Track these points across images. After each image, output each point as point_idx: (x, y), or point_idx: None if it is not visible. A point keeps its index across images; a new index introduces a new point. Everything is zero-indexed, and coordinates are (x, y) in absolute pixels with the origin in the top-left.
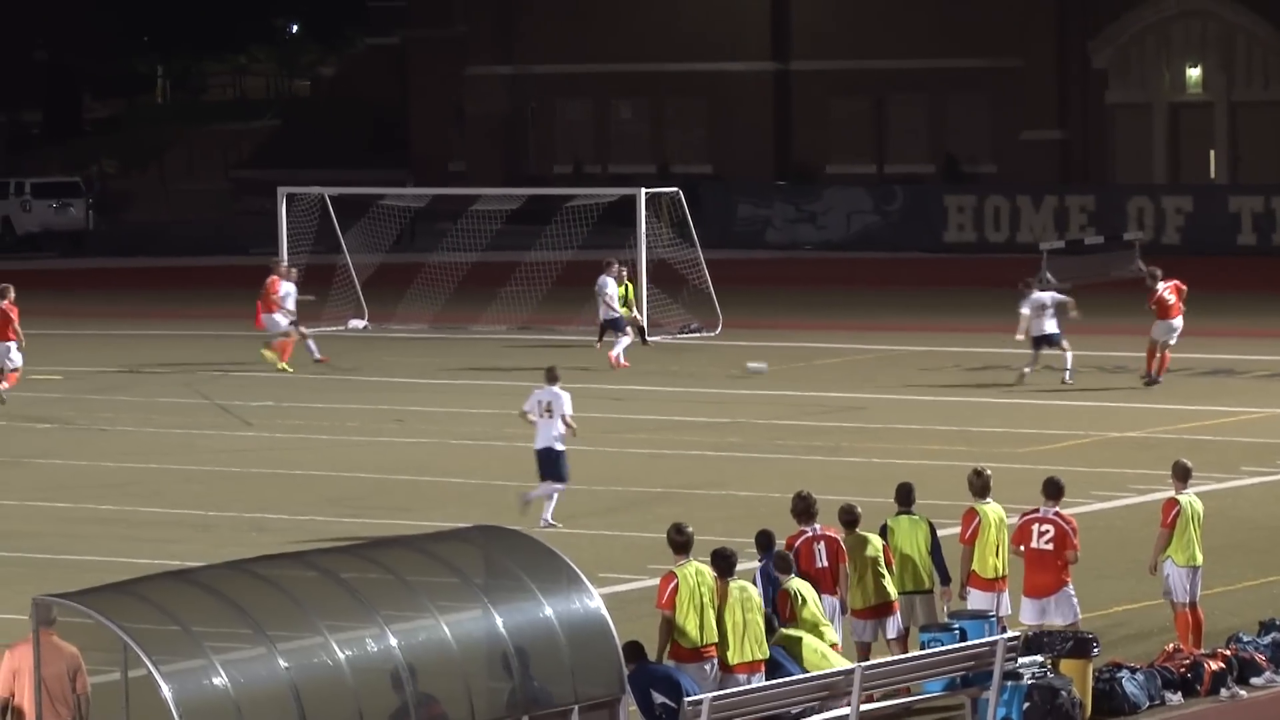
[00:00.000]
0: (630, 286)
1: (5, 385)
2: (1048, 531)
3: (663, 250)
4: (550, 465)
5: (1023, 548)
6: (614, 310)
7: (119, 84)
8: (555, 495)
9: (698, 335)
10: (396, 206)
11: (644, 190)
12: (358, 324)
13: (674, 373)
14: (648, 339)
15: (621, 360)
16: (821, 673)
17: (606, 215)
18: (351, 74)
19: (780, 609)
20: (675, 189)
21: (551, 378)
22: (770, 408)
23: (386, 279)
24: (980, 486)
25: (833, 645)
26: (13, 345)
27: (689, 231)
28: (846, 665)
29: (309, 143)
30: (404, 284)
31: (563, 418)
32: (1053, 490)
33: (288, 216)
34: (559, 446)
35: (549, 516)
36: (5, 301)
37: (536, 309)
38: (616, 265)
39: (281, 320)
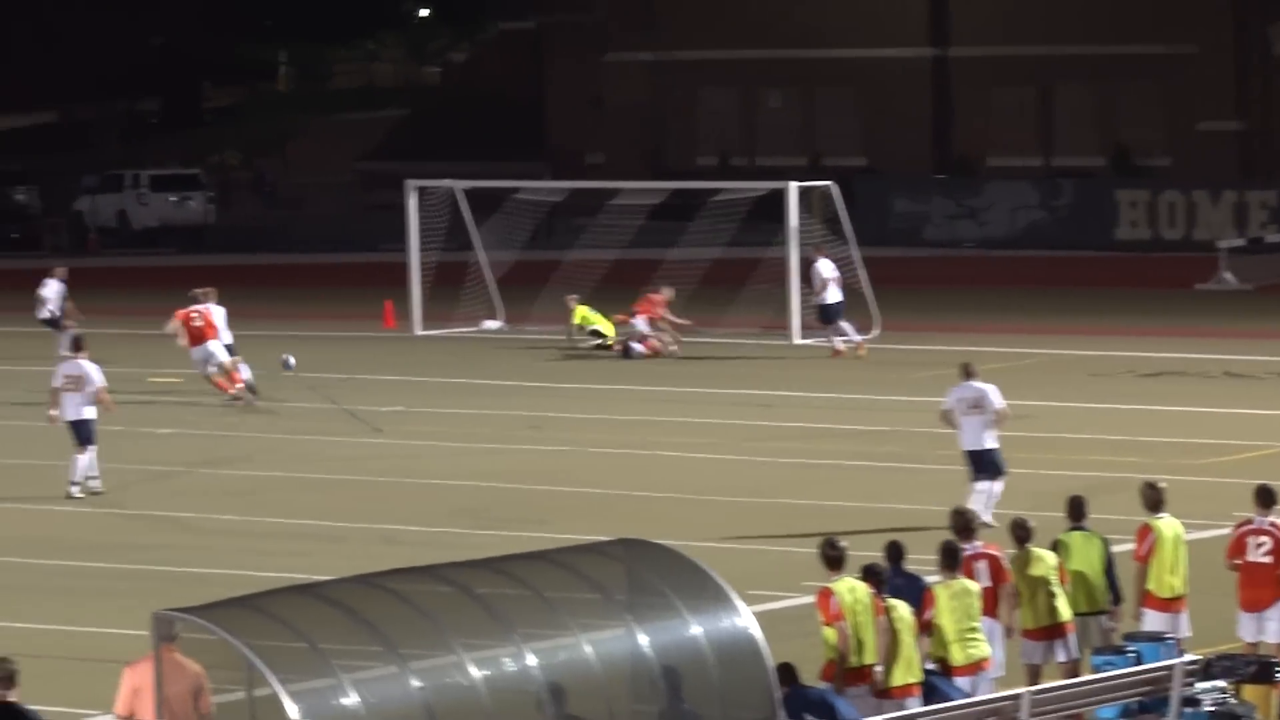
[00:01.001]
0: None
1: (237, 385)
2: (1265, 543)
3: (815, 248)
4: (986, 463)
5: (1238, 561)
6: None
7: (240, 71)
8: (992, 493)
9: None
10: (532, 201)
11: (794, 184)
12: (492, 324)
13: (827, 378)
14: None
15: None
16: (988, 697)
17: (755, 210)
18: (484, 61)
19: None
20: (828, 182)
21: (969, 373)
22: (930, 415)
23: (522, 277)
24: (1154, 500)
25: (983, 660)
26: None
27: (842, 228)
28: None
29: (439, 133)
30: (540, 282)
31: (995, 411)
32: (1267, 499)
33: (418, 211)
34: (991, 443)
35: (988, 517)
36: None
37: (681, 309)
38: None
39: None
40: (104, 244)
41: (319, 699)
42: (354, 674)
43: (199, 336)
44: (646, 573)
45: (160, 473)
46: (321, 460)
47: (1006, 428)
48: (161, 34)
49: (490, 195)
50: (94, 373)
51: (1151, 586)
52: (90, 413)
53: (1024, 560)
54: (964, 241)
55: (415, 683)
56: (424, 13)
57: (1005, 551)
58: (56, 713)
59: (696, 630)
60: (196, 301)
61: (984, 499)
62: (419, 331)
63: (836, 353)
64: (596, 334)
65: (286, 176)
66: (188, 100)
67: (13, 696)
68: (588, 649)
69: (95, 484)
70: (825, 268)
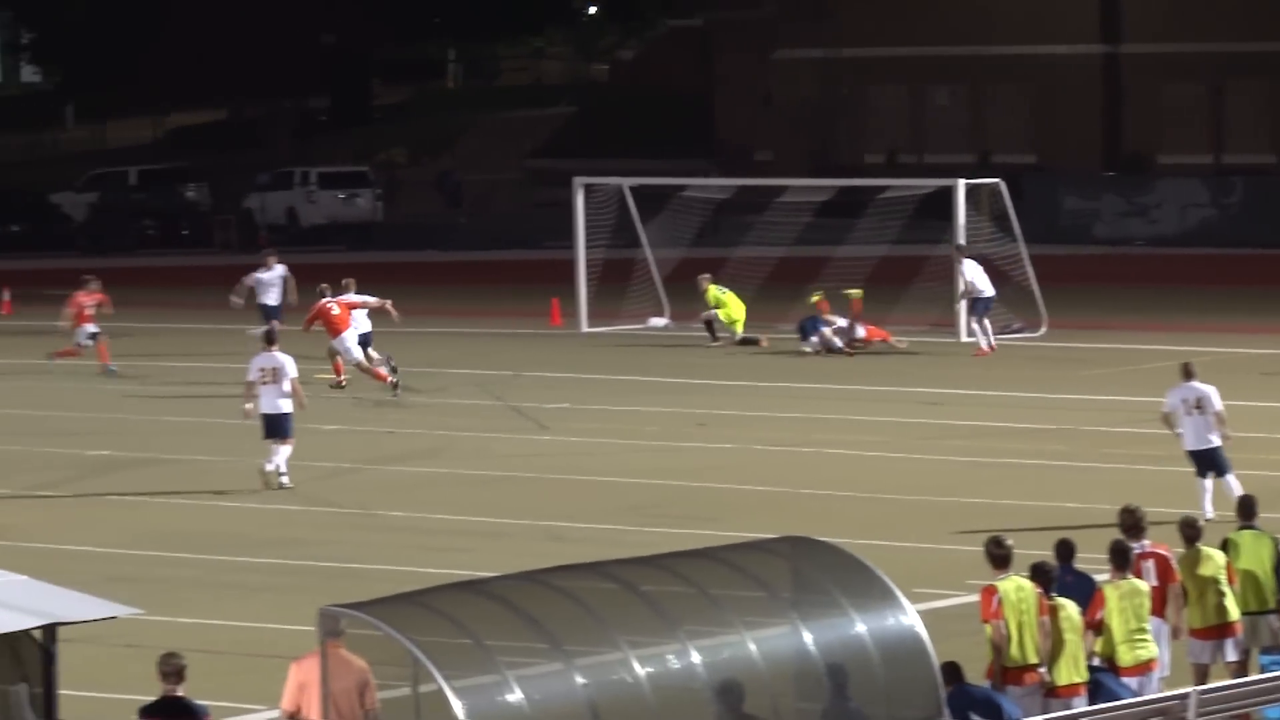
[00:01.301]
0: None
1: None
2: None
3: (983, 245)
4: (1211, 462)
5: None
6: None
7: (410, 69)
8: (1210, 488)
9: (1020, 336)
10: (699, 198)
11: (963, 181)
12: (659, 322)
13: (995, 376)
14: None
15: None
16: (1155, 696)
17: (922, 208)
18: (652, 58)
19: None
20: (996, 180)
21: (1189, 374)
22: (1098, 414)
23: (688, 274)
24: None
25: (1150, 660)
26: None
27: (1011, 225)
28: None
29: (607, 130)
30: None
31: (1215, 414)
32: None
33: (585, 208)
34: (1215, 441)
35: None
36: (343, 297)
37: (846, 307)
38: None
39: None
40: (273, 241)
41: (483, 695)
42: (518, 671)
43: (337, 327)
44: (812, 570)
45: (326, 469)
46: (487, 457)
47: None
48: (332, 32)
49: (657, 192)
50: (289, 365)
51: None
52: (286, 405)
53: (1193, 559)
54: (1134, 239)
55: (579, 680)
56: (593, 10)
57: (1174, 551)
58: (223, 708)
59: (862, 628)
60: (328, 295)
61: (1209, 496)
62: (585, 329)
63: (981, 352)
64: (733, 328)
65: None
66: (357, 98)
67: (181, 691)
68: (752, 647)
69: (285, 479)
70: (969, 268)
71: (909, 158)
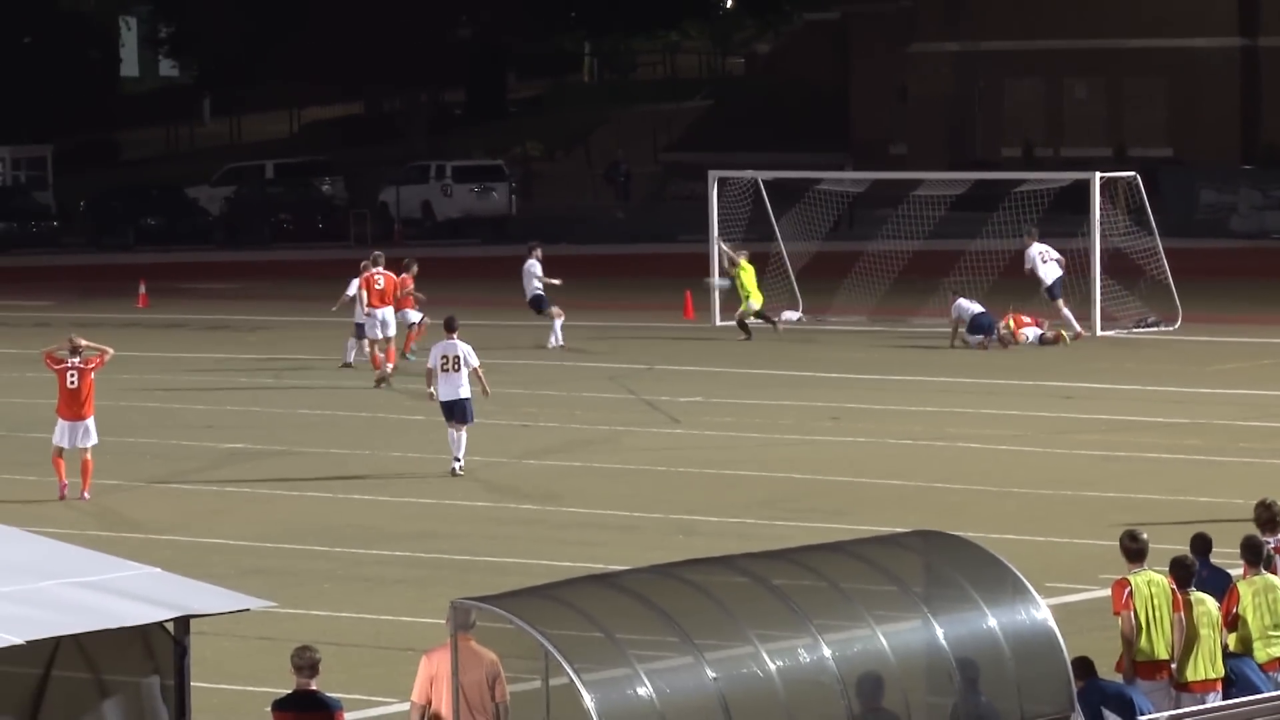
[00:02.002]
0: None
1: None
2: None
3: (1118, 239)
4: None
5: None
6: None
7: (545, 63)
8: None
9: (1155, 330)
10: (834, 191)
11: (1099, 174)
12: (792, 315)
13: (1129, 370)
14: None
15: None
16: None
17: (1058, 201)
18: (788, 51)
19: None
20: (1132, 173)
21: None
22: (1234, 408)
23: (822, 268)
24: None
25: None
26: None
27: (1147, 219)
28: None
29: (742, 124)
30: (841, 273)
31: None
32: None
33: (719, 201)
34: None
35: None
36: (401, 273)
37: (982, 301)
38: None
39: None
40: (408, 235)
41: (614, 689)
42: (649, 664)
43: (381, 299)
44: (943, 565)
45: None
46: (619, 450)
47: None
48: (468, 26)
49: (792, 185)
50: (469, 353)
51: None
52: (466, 392)
53: None
54: (1271, 233)
55: (710, 673)
56: (729, 3)
57: None
58: (355, 700)
59: (993, 623)
60: (376, 265)
61: None
62: (719, 322)
63: (1059, 336)
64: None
65: (589, 168)
66: (492, 92)
67: (314, 684)
68: (883, 641)
69: (457, 465)
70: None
71: (1045, 151)
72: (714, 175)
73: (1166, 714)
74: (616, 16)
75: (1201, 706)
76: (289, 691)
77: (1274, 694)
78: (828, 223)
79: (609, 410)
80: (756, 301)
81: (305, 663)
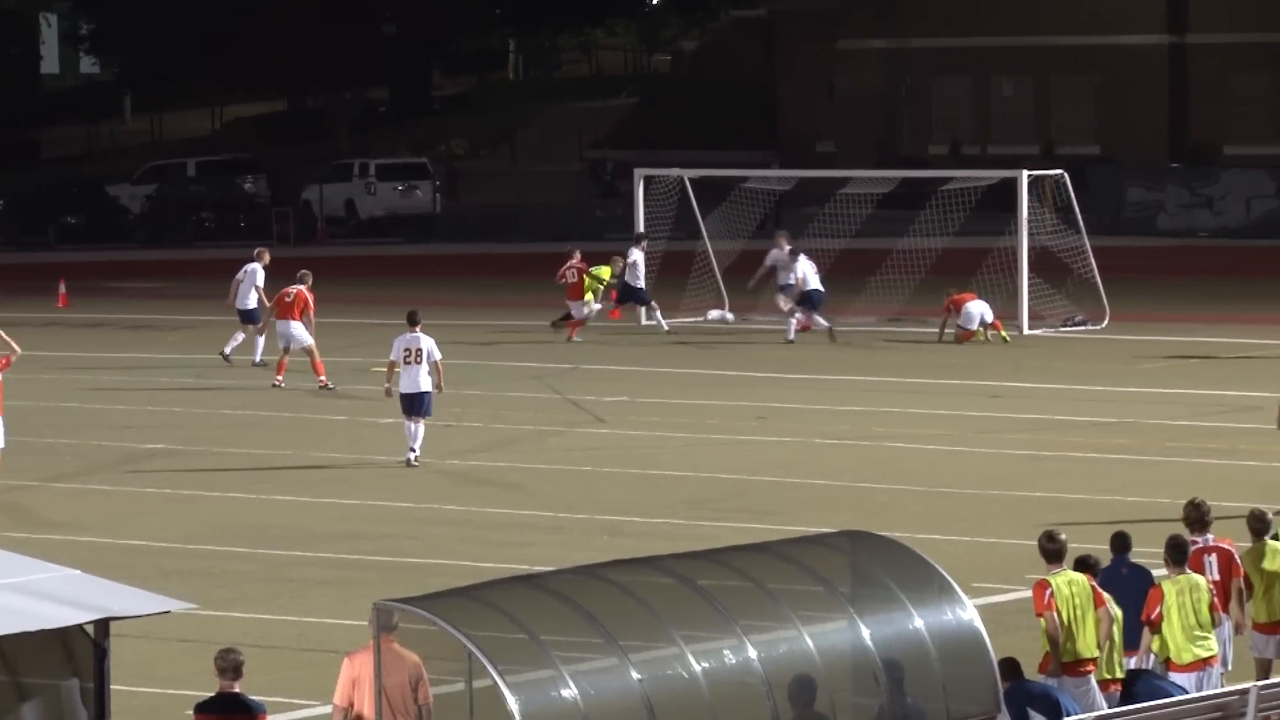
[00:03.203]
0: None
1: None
2: None
3: (1046, 237)
4: None
5: None
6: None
7: (470, 60)
8: None
9: (1083, 329)
10: (761, 189)
11: (1026, 172)
12: (718, 314)
13: (1057, 369)
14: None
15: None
16: (1215, 692)
17: (985, 199)
18: (715, 48)
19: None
20: (1060, 171)
21: None
22: (1162, 407)
23: (749, 266)
24: None
25: (1210, 657)
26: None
27: (1075, 217)
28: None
29: (668, 121)
30: (768, 273)
31: None
32: None
33: (645, 200)
34: None
35: None
36: (304, 287)
37: (908, 300)
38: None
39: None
40: (331, 233)
41: (538, 691)
42: (574, 666)
43: (285, 313)
44: (870, 565)
45: (382, 463)
46: (545, 450)
47: (1241, 420)
48: (393, 23)
49: (718, 183)
50: (433, 347)
51: None
52: (427, 385)
53: (1259, 553)
54: (1199, 231)
55: (635, 675)
56: (655, 0)
57: (1238, 545)
58: (278, 703)
59: (919, 623)
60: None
61: None
62: (644, 321)
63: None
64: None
65: (514, 166)
66: (417, 90)
67: (237, 687)
68: (809, 642)
69: (412, 456)
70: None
71: (973, 149)
72: (640, 173)
73: (1094, 714)
74: (542, 13)
75: (1128, 707)
76: (212, 694)
77: (1201, 694)
78: (754, 220)
79: (534, 410)
80: (589, 305)
81: (229, 665)
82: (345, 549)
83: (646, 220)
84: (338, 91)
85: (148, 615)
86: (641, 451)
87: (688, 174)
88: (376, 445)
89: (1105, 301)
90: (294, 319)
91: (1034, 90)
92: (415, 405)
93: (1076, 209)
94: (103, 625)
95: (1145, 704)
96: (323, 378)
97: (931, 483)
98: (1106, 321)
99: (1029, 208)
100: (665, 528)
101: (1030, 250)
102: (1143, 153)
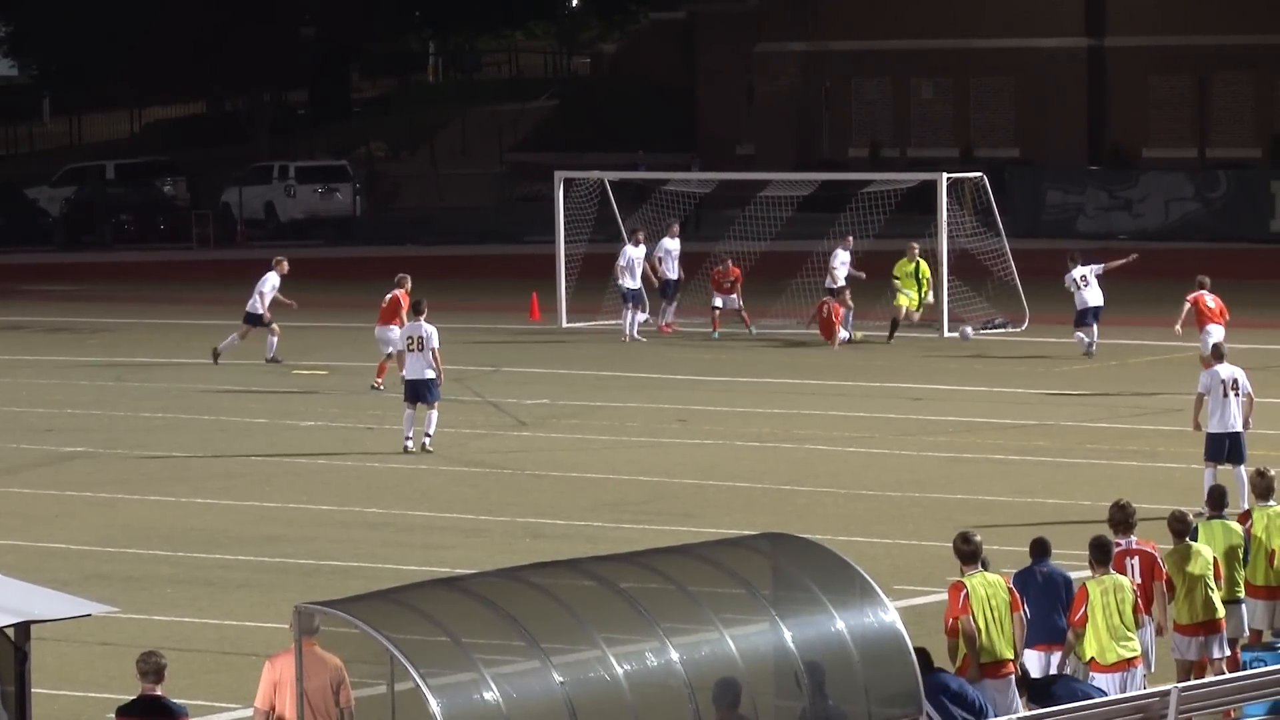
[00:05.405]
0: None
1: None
2: None
3: (965, 240)
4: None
5: None
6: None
7: (390, 62)
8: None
9: (1003, 331)
10: (681, 192)
11: (946, 175)
12: (640, 317)
13: (977, 371)
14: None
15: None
16: (1137, 693)
17: (905, 202)
18: (635, 51)
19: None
20: (980, 174)
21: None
22: (1081, 409)
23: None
24: (1264, 489)
25: (1134, 658)
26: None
27: (994, 220)
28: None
29: (588, 124)
30: (687, 275)
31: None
32: None
33: (565, 202)
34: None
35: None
36: (401, 290)
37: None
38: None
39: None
40: (251, 236)
41: (460, 693)
42: (496, 668)
43: (387, 319)
44: (791, 567)
45: (303, 465)
46: (465, 453)
47: (1160, 422)
48: (312, 25)
49: (639, 186)
50: (432, 335)
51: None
52: (430, 372)
53: (1182, 555)
54: (1118, 233)
55: (557, 677)
56: (574, 2)
57: (1160, 547)
58: (199, 706)
59: (841, 625)
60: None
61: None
62: (565, 324)
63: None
64: None
65: (434, 168)
66: (337, 92)
67: (159, 690)
68: (731, 644)
69: (427, 440)
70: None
71: (892, 152)
72: (560, 176)
73: (1016, 717)
74: (461, 16)
75: (1048, 709)
76: (134, 697)
77: (1122, 696)
78: (675, 223)
79: (454, 412)
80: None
81: (151, 668)
82: (266, 552)
83: (567, 223)
84: (257, 94)
85: (68, 618)
86: (562, 454)
87: (608, 176)
88: (297, 447)
89: (1025, 304)
90: (394, 324)
91: (953, 93)
92: (420, 392)
93: (996, 212)
94: (23, 629)
95: (1069, 705)
96: (380, 380)
97: (852, 485)
98: (1026, 324)
99: (949, 210)
100: (586, 530)
101: (950, 253)
102: (1062, 155)
